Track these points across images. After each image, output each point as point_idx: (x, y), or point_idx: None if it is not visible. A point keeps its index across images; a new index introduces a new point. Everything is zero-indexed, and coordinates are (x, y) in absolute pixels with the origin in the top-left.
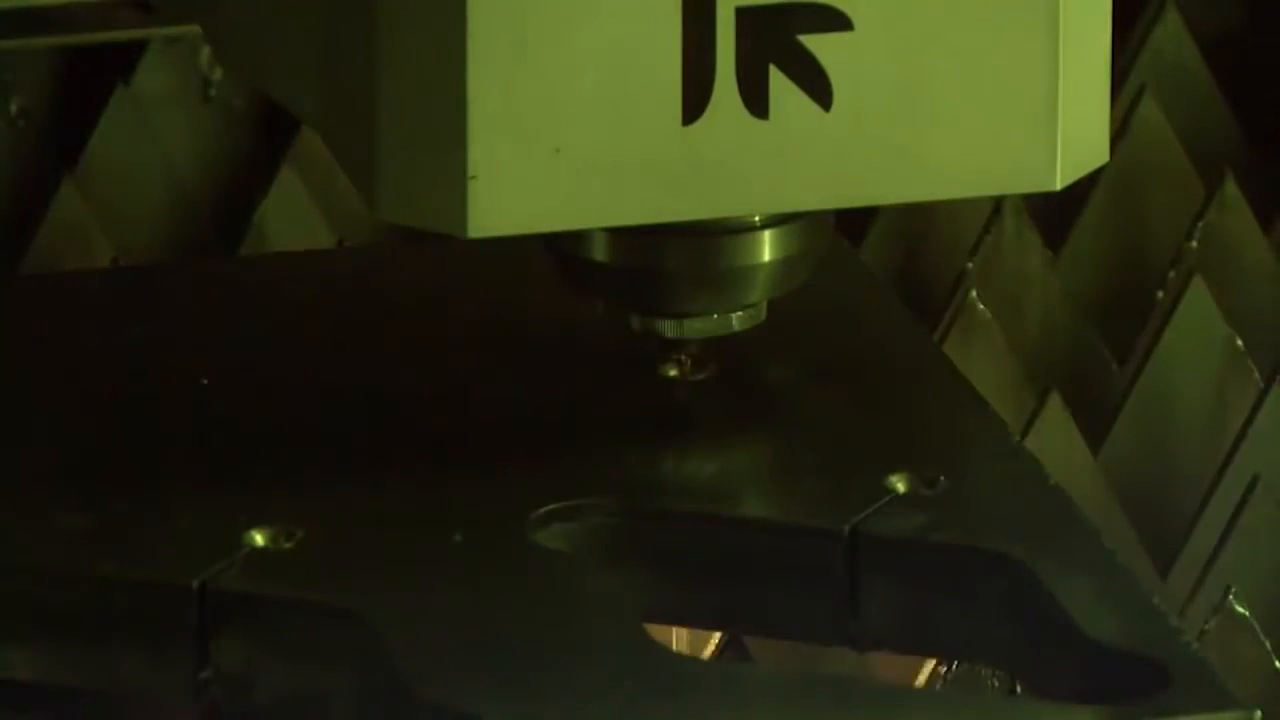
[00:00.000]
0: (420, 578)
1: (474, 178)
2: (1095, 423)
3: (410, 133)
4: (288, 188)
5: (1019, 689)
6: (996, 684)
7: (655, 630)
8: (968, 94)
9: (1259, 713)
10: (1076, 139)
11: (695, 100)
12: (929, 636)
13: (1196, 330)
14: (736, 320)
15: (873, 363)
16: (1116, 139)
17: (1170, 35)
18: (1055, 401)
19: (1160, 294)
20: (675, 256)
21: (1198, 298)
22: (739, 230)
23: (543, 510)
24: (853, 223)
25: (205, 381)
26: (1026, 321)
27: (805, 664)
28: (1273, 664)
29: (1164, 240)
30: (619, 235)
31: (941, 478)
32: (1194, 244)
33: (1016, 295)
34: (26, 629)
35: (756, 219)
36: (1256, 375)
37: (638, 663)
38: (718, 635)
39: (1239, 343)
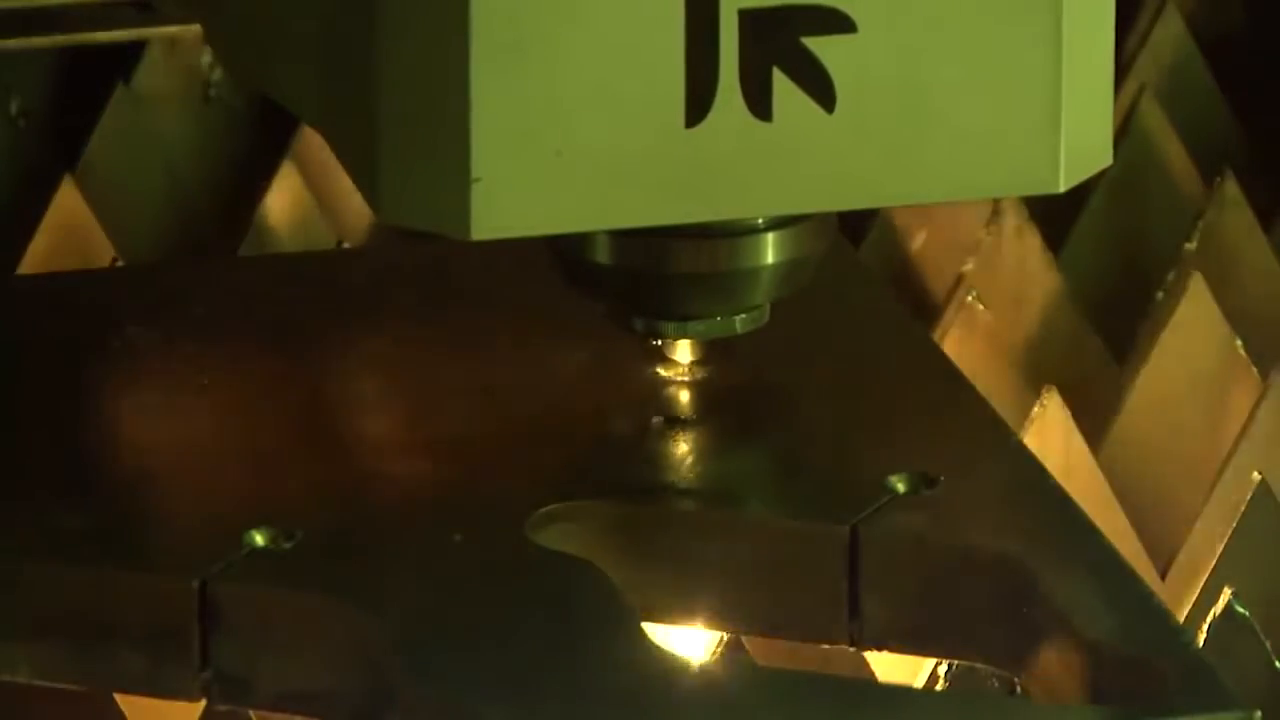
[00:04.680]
0: (420, 578)
1: (477, 180)
2: (1095, 422)
3: (413, 135)
4: (288, 187)
5: (1019, 689)
6: (996, 684)
7: (655, 630)
8: (971, 96)
9: (1259, 713)
10: (1080, 141)
11: (699, 102)
12: (929, 636)
13: (1196, 330)
14: (739, 322)
15: (873, 363)
16: (1117, 139)
17: (1170, 35)
18: (1055, 401)
19: (1160, 294)
20: (678, 259)
21: (1198, 298)
22: (742, 232)
23: (543, 510)
24: (853, 223)
25: (205, 381)
26: (1026, 321)
27: (805, 664)
28: (1273, 664)
29: (1164, 240)
30: (622, 237)
31: (941, 478)
32: (1194, 244)
33: (1016, 295)
34: (26, 629)
35: (760, 221)
36: (1256, 375)
37: (638, 663)
38: (718, 635)
39: (1239, 343)
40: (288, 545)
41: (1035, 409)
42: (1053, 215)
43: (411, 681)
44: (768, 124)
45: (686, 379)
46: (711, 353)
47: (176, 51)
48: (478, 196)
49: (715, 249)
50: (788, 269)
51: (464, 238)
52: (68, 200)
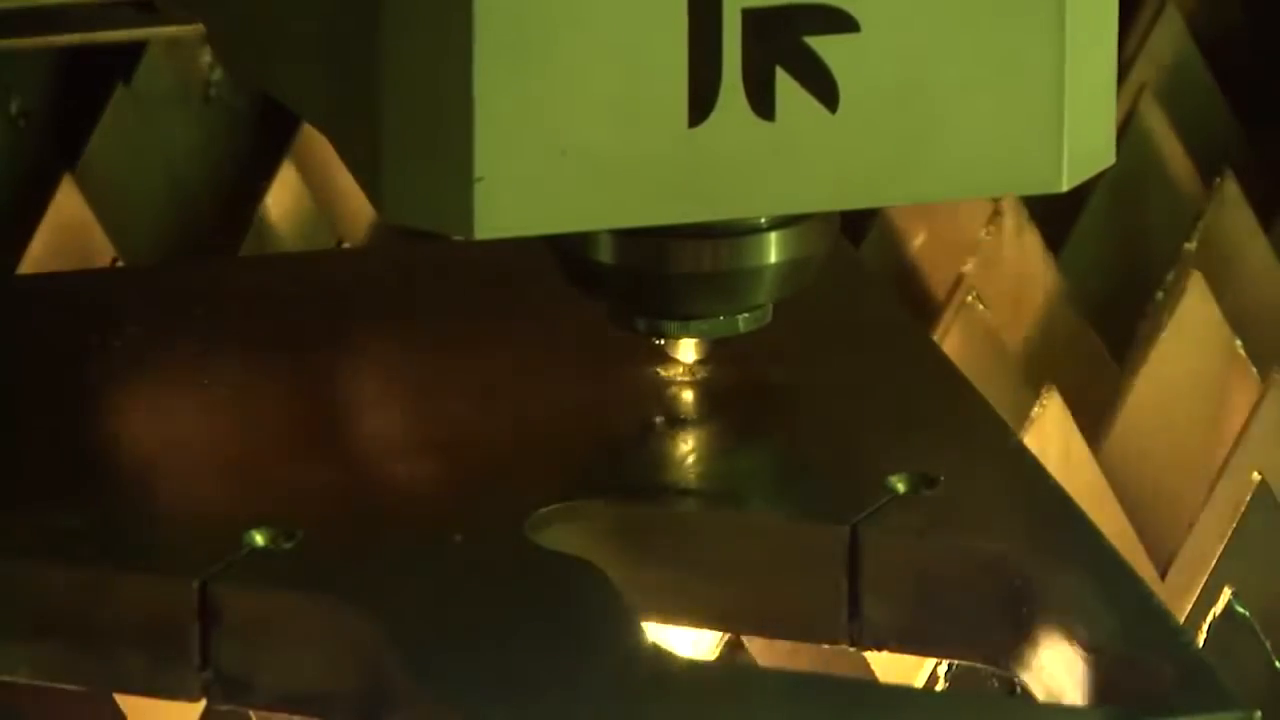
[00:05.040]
0: (420, 578)
1: (480, 179)
2: (1095, 422)
3: (416, 134)
4: (288, 187)
5: (1019, 689)
6: (996, 684)
7: (655, 630)
8: (974, 95)
9: (1259, 713)
10: (1083, 140)
11: (702, 102)
12: (929, 636)
13: (1196, 330)
14: (742, 322)
15: (873, 362)
16: (1117, 139)
17: (1170, 35)
18: (1055, 401)
19: (1160, 294)
20: (681, 258)
21: (1198, 298)
22: (745, 231)
23: (543, 510)
24: (853, 223)
25: (205, 381)
26: (1026, 321)
27: (805, 664)
28: (1273, 664)
29: (1164, 240)
30: (625, 236)
31: (941, 478)
32: (1194, 244)
33: (1016, 295)
34: (26, 629)
35: (762, 220)
36: (1256, 375)
37: (638, 663)
38: (718, 635)
39: (1239, 343)
40: (288, 545)
41: (1035, 409)
42: (1053, 215)
43: (411, 681)
44: (770, 123)
45: (687, 379)
46: (712, 353)
47: (177, 51)
48: (481, 196)
49: (718, 248)
50: (790, 268)
51: (467, 237)
52: (68, 200)
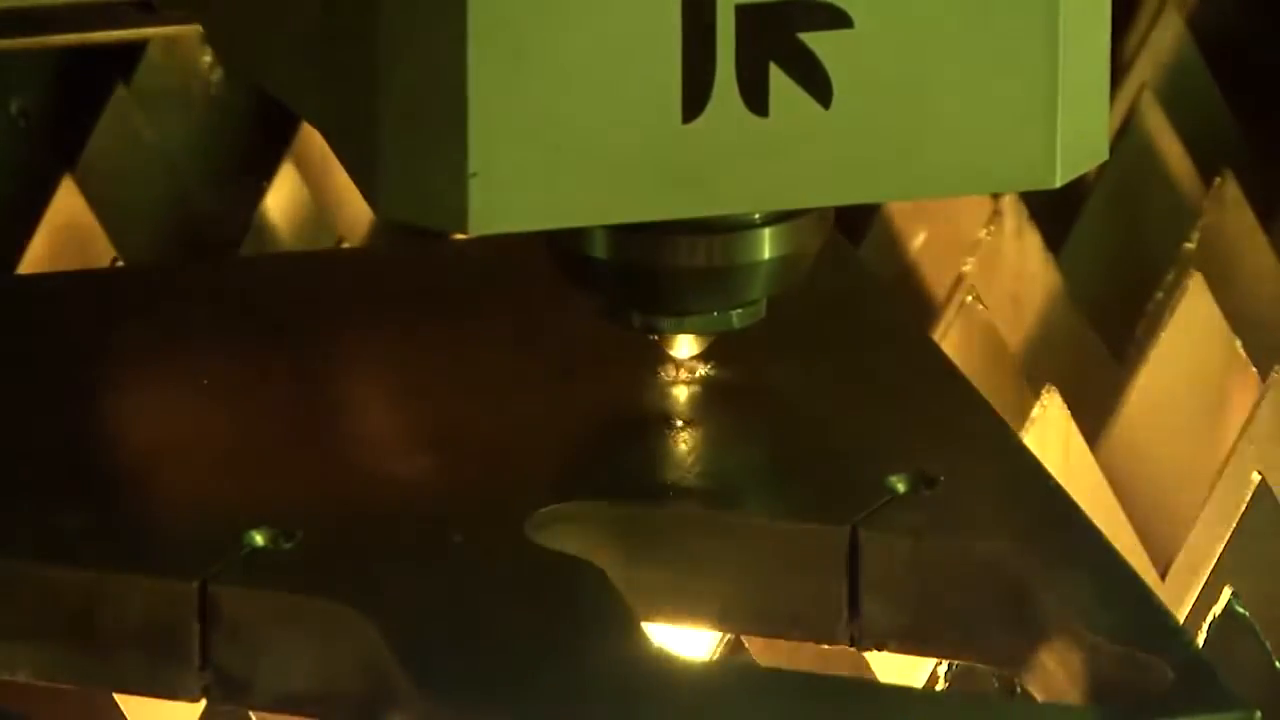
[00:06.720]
0: (420, 578)
1: (474, 175)
2: (1094, 422)
3: (411, 131)
4: (288, 187)
5: (1019, 689)
6: (996, 684)
7: (655, 630)
8: (967, 91)
9: (1259, 713)
10: (1076, 136)
11: (695, 98)
12: (929, 636)
13: (1196, 330)
14: (736, 318)
15: (872, 362)
16: (1116, 139)
17: (1170, 35)
18: (1055, 401)
19: (1160, 294)
20: (675, 254)
21: (1198, 298)
22: (739, 227)
23: (543, 510)
24: (853, 223)
25: (205, 381)
26: (1026, 321)
27: (805, 664)
28: (1273, 664)
29: (1164, 240)
30: (619, 232)
31: (941, 478)
32: (1194, 244)
33: (1016, 295)
34: (26, 629)
35: (756, 216)
36: (1256, 375)
37: (638, 663)
38: (718, 635)
39: (1239, 343)
40: (288, 545)
41: (1035, 409)
42: (1053, 215)
43: (411, 681)
44: (764, 119)
45: (686, 379)
46: (711, 352)
47: (177, 51)
48: (475, 191)
49: (712, 244)
50: (784, 264)
51: (461, 232)
52: (68, 200)
